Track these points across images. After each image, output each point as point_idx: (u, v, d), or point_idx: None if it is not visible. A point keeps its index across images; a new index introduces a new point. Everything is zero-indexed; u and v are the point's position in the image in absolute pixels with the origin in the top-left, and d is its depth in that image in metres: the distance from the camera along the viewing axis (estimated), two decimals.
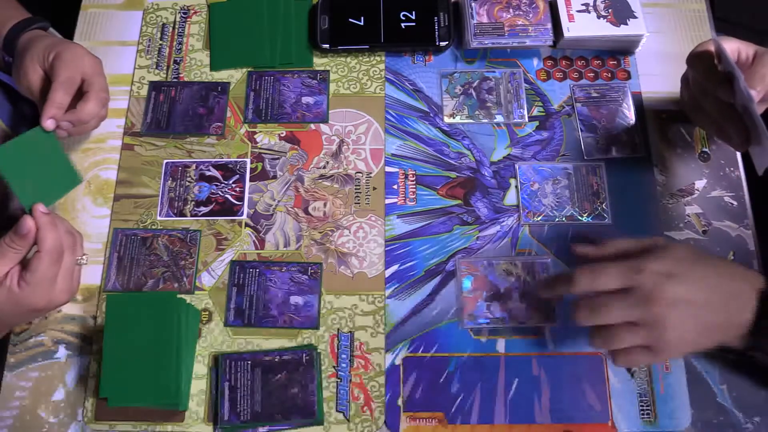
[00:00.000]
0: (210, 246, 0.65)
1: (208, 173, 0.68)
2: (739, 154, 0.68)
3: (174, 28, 0.76)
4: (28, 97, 0.65)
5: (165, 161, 0.69)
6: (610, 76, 0.72)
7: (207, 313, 0.63)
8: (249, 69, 0.73)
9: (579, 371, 0.60)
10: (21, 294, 0.55)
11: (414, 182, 0.68)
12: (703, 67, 0.59)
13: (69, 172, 0.63)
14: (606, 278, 0.51)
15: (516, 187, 0.67)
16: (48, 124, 0.60)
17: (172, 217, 0.67)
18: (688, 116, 0.65)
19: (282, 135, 0.70)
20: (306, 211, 0.67)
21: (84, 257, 0.61)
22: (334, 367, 0.61)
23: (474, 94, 0.71)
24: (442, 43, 0.72)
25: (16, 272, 0.55)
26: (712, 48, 0.58)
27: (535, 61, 0.73)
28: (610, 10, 0.71)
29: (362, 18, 0.74)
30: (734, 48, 0.58)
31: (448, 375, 0.60)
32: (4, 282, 0.55)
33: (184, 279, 0.64)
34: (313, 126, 0.70)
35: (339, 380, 0.60)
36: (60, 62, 0.62)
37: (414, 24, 0.73)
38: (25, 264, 0.56)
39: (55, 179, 0.61)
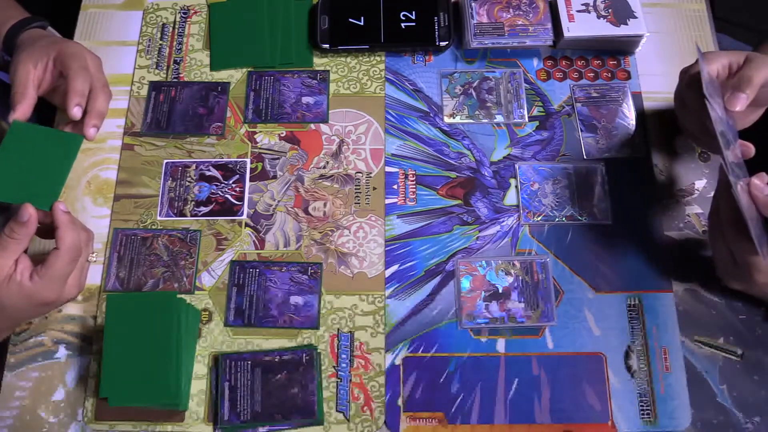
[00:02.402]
0: (210, 246, 0.65)
1: (208, 173, 0.68)
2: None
3: (174, 28, 0.76)
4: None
5: (165, 161, 0.69)
6: (610, 76, 0.72)
7: (207, 313, 0.63)
8: (249, 69, 0.73)
9: (579, 371, 0.60)
10: (33, 288, 0.55)
11: (414, 182, 0.68)
12: (695, 93, 0.58)
13: (66, 139, 0.62)
14: None
15: (516, 187, 0.67)
16: (75, 111, 0.62)
17: (172, 217, 0.67)
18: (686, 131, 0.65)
19: (282, 135, 0.70)
20: (306, 211, 0.67)
21: (94, 255, 0.61)
22: (334, 367, 0.61)
23: (474, 94, 0.71)
24: (442, 43, 0.72)
25: (27, 267, 0.56)
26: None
27: (535, 61, 0.73)
28: (610, 10, 0.71)
29: (362, 18, 0.74)
30: (724, 63, 0.57)
31: (448, 375, 0.60)
32: (14, 276, 0.55)
33: (184, 279, 0.64)
34: (313, 126, 0.70)
35: (339, 380, 0.60)
36: (66, 57, 0.63)
37: (414, 24, 0.73)
38: (38, 259, 0.56)
39: (56, 154, 0.61)
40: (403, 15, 0.74)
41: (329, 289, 0.64)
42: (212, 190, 0.68)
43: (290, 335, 0.62)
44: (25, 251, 0.57)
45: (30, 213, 0.55)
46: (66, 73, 0.63)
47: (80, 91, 0.62)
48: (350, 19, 0.73)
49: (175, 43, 0.75)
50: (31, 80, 0.63)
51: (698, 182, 0.67)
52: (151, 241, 0.66)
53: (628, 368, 0.60)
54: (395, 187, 0.67)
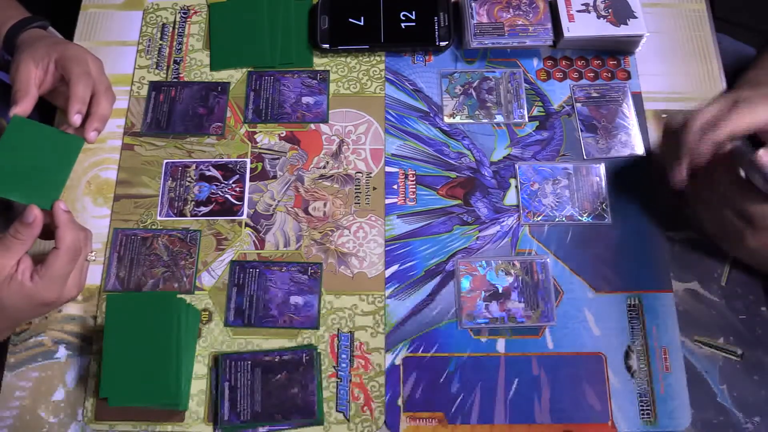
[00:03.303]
0: (210, 246, 0.65)
1: (208, 173, 0.68)
2: None
3: (174, 28, 0.76)
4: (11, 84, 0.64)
5: (165, 161, 0.69)
6: (610, 76, 0.72)
7: (207, 313, 0.63)
8: (249, 69, 0.73)
9: (579, 371, 0.60)
10: (33, 288, 0.55)
11: (414, 182, 0.68)
12: (728, 175, 0.55)
13: (67, 140, 0.62)
14: None
15: (516, 187, 0.67)
16: (75, 119, 0.62)
17: (172, 217, 0.67)
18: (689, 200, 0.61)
19: (282, 135, 0.70)
20: (306, 211, 0.67)
21: (93, 254, 0.61)
22: (334, 367, 0.61)
23: (474, 94, 0.71)
24: (442, 43, 0.72)
25: (28, 267, 0.55)
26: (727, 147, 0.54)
27: (535, 61, 0.73)
28: (610, 10, 0.71)
29: (362, 18, 0.74)
30: (763, 120, 0.52)
31: (448, 375, 0.60)
32: (15, 276, 0.55)
33: (184, 279, 0.64)
34: (313, 126, 0.70)
35: (339, 380, 0.60)
36: (68, 61, 0.63)
37: (414, 24, 0.73)
38: (38, 259, 0.56)
39: (57, 153, 0.60)
40: (403, 15, 0.74)
41: (329, 289, 0.64)
42: (212, 190, 0.68)
43: (290, 335, 0.62)
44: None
45: (35, 214, 0.55)
46: (68, 77, 0.62)
47: (81, 97, 0.62)
48: (350, 19, 0.73)
49: (175, 43, 0.75)
50: (32, 79, 0.63)
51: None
52: (151, 241, 0.66)
53: (628, 368, 0.60)
54: (395, 187, 0.67)
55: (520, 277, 0.63)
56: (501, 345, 0.61)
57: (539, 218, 0.65)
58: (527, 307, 0.62)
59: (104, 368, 0.56)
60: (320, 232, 0.66)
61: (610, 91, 0.71)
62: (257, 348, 0.62)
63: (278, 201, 0.67)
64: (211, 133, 0.70)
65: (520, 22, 0.72)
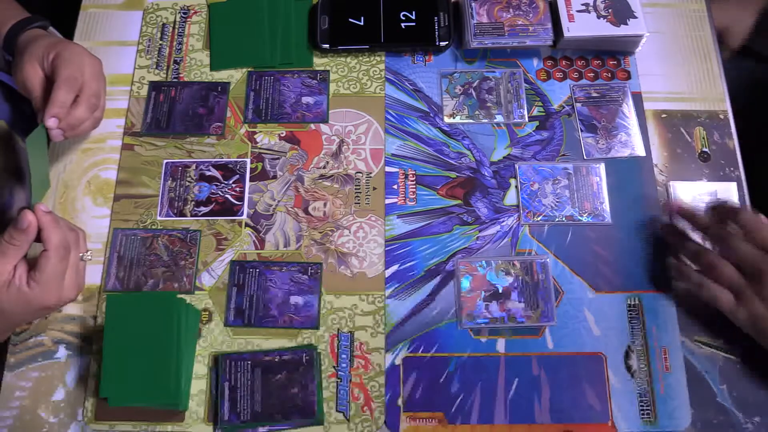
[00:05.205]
0: (210, 246, 0.65)
1: (208, 173, 0.68)
2: (739, 155, 0.68)
3: (174, 28, 0.76)
4: (24, 94, 0.64)
5: (165, 161, 0.69)
6: (610, 76, 0.72)
7: (207, 313, 0.63)
8: (249, 69, 0.73)
9: (579, 371, 0.60)
10: (31, 293, 0.55)
11: (414, 182, 0.68)
12: None
13: (45, 177, 0.62)
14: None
15: (516, 187, 0.67)
16: (50, 122, 0.61)
17: (172, 217, 0.67)
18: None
19: (282, 135, 0.70)
20: (306, 211, 0.67)
21: (88, 253, 0.61)
22: (334, 367, 0.61)
23: (474, 94, 0.71)
24: (442, 43, 0.72)
25: (24, 272, 0.55)
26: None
27: (535, 61, 0.73)
28: (610, 10, 0.71)
29: (362, 18, 0.74)
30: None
31: (448, 375, 0.60)
32: (13, 281, 0.55)
33: (184, 279, 0.64)
34: (313, 126, 0.70)
35: (339, 380, 0.60)
36: (61, 61, 0.62)
37: (414, 24, 0.73)
38: (32, 264, 0.56)
39: (37, 182, 0.59)
40: (403, 15, 0.74)
41: (329, 289, 0.64)
42: (212, 190, 0.68)
43: (290, 335, 0.62)
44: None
45: (29, 220, 0.54)
46: (54, 79, 0.61)
47: (61, 101, 0.61)
48: (350, 19, 0.73)
49: (175, 43, 0.75)
50: (42, 81, 0.63)
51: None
52: (151, 241, 0.66)
53: (628, 368, 0.60)
54: (395, 187, 0.67)
55: (520, 277, 0.63)
56: (501, 345, 0.61)
57: (539, 218, 0.65)
58: (527, 307, 0.62)
59: (104, 368, 0.56)
60: (320, 232, 0.66)
61: (610, 91, 0.71)
62: (257, 348, 0.62)
63: (278, 201, 0.67)
64: (211, 133, 0.70)
65: (520, 22, 0.72)
